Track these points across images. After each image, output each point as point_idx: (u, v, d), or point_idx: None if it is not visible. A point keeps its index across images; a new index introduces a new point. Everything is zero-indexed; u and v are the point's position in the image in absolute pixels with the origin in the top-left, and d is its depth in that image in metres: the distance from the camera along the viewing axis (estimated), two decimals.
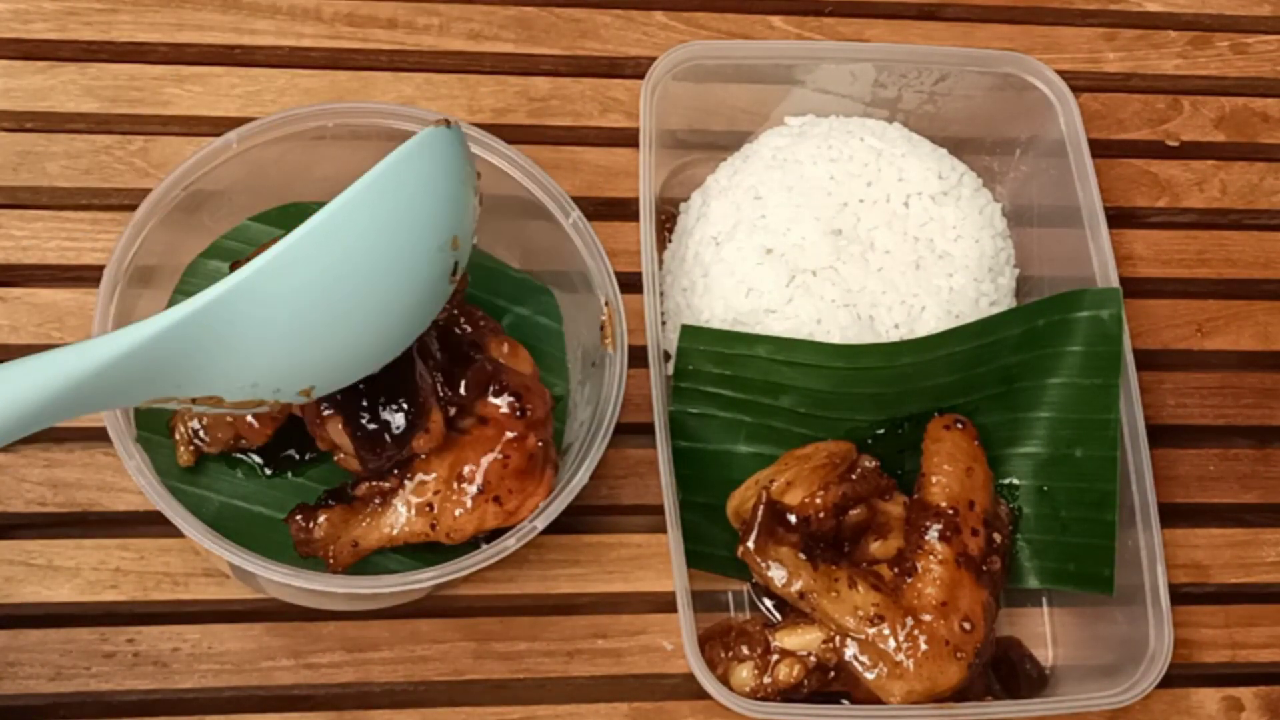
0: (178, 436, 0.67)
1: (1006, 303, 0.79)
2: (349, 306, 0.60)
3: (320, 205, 0.71)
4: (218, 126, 0.74)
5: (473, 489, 0.65)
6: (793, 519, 0.68)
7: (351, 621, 0.69)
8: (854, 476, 0.71)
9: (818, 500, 0.69)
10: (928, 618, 0.67)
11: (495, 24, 0.84)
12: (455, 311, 0.70)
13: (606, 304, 0.69)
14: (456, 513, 0.65)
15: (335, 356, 0.61)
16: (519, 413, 0.65)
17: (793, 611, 0.69)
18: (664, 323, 0.77)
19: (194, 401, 0.59)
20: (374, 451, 0.64)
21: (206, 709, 0.67)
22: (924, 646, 0.67)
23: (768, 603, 0.71)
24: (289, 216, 0.72)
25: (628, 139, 0.80)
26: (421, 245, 0.61)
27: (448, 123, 0.61)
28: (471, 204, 0.64)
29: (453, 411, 0.65)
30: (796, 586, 0.67)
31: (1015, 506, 0.74)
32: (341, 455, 0.65)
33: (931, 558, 0.69)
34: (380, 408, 0.63)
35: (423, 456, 0.65)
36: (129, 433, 0.64)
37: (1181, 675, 0.73)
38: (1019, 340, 0.75)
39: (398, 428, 0.64)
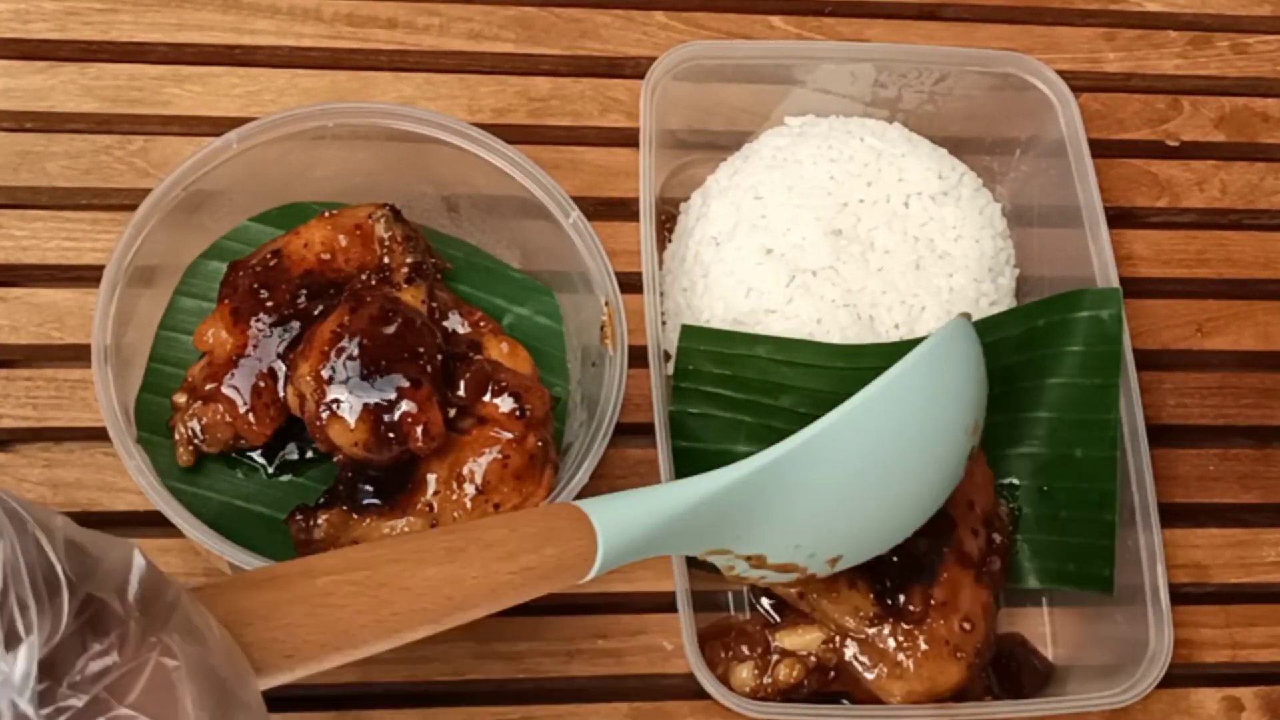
0: (177, 436, 0.67)
1: (1006, 303, 0.79)
2: (889, 478, 0.63)
3: (320, 205, 0.72)
4: (218, 126, 0.74)
5: (472, 489, 0.65)
6: None
7: None
8: None
9: None
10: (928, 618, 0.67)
11: (495, 24, 0.84)
12: (456, 311, 0.70)
13: (606, 304, 0.69)
14: (456, 513, 0.65)
15: (867, 527, 0.64)
16: (519, 413, 0.65)
17: (793, 611, 0.69)
18: (664, 323, 0.77)
19: (747, 560, 0.61)
20: (383, 446, 0.64)
21: None
22: (924, 646, 0.67)
23: (767, 603, 0.71)
24: (289, 216, 0.72)
25: (628, 139, 0.80)
26: (954, 425, 0.65)
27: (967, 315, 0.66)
28: (986, 392, 0.67)
29: (452, 412, 0.65)
30: (796, 586, 0.67)
31: (1015, 507, 0.74)
32: (341, 456, 0.65)
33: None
34: (392, 406, 0.64)
35: (423, 458, 0.65)
36: (129, 433, 0.64)
37: (1181, 675, 0.73)
38: (1019, 340, 0.75)
39: (401, 424, 0.64)
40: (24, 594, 0.37)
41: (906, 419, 0.63)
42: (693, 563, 0.69)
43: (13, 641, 0.37)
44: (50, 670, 0.37)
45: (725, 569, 0.62)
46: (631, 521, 0.55)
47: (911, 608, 0.67)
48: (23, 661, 0.37)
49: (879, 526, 0.64)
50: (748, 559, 0.61)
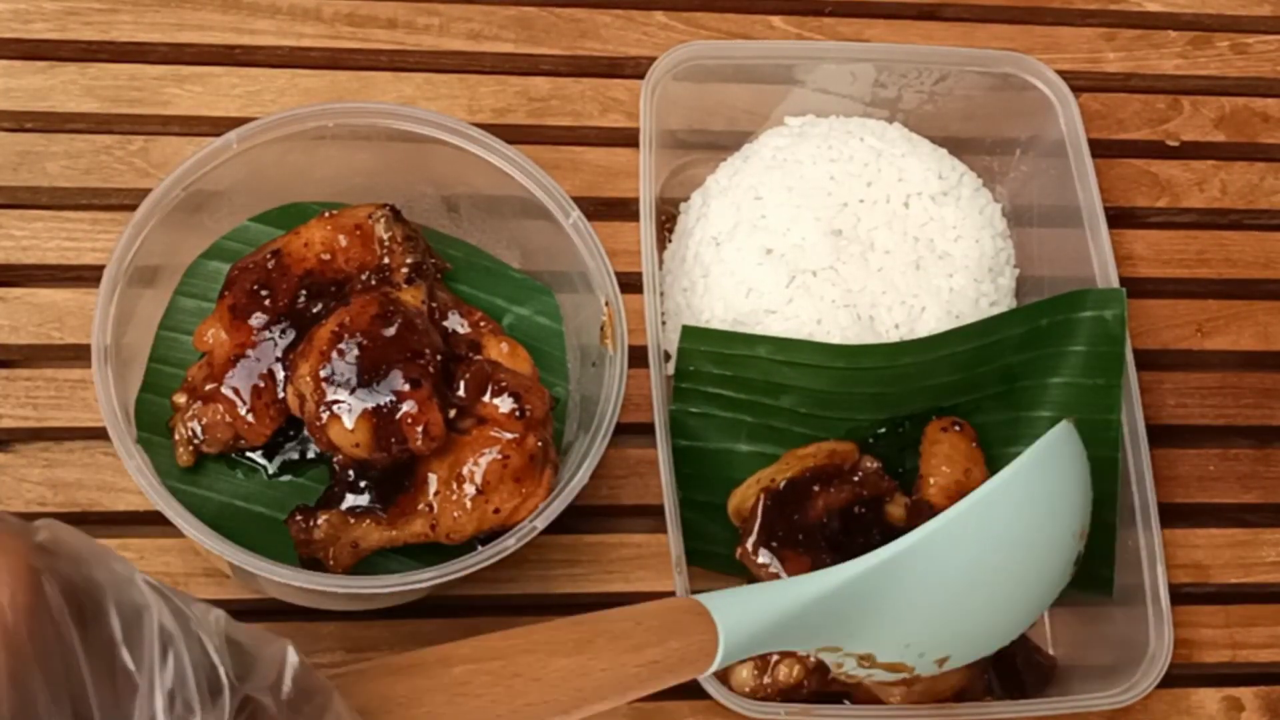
0: (177, 437, 0.67)
1: (1006, 303, 0.79)
2: (999, 580, 0.63)
3: (320, 205, 0.72)
4: (218, 126, 0.74)
5: (472, 490, 0.65)
6: (793, 518, 0.68)
7: (351, 621, 0.69)
8: (856, 478, 0.70)
9: (818, 500, 0.69)
10: None
11: (495, 24, 0.84)
12: (456, 311, 0.70)
13: (606, 304, 0.69)
14: (456, 514, 0.65)
15: (976, 628, 0.64)
16: (518, 413, 0.65)
17: None
18: (664, 323, 0.77)
19: (857, 659, 0.61)
20: (383, 447, 0.64)
21: None
22: None
23: None
24: (289, 216, 0.72)
25: (628, 139, 0.80)
26: (1062, 529, 0.65)
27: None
28: (1091, 496, 0.67)
29: (452, 412, 0.65)
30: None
31: None
32: (341, 456, 0.65)
33: None
34: (392, 406, 0.64)
35: (423, 458, 0.65)
36: (129, 433, 0.64)
37: (1181, 675, 0.73)
38: (1021, 340, 0.75)
39: (401, 424, 0.64)
40: (190, 697, 0.37)
41: (1016, 522, 0.63)
42: (693, 562, 0.69)
43: None
44: None
45: (834, 666, 0.63)
46: (751, 617, 0.56)
47: None
48: None
49: (988, 628, 0.65)
50: (858, 658, 0.62)
